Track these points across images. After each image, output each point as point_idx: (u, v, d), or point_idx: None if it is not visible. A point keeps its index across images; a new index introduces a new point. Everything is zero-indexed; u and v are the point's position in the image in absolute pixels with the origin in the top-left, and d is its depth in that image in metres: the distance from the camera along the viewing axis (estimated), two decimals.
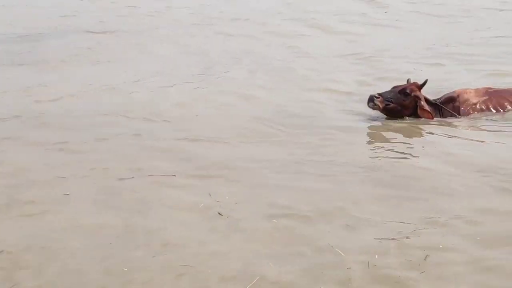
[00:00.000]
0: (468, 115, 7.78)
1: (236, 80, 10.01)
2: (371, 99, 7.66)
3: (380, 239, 4.80)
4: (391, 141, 7.14)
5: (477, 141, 7.00)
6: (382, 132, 7.47)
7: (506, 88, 8.27)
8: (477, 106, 7.87)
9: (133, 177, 6.10)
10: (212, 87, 9.53)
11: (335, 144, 6.88)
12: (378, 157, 6.60)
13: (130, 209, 5.47)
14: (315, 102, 8.56)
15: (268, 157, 6.63)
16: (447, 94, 8.07)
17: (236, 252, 4.71)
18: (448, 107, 7.85)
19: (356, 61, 11.05)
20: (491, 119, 7.65)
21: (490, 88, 8.16)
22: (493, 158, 6.38)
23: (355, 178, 5.98)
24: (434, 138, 7.21)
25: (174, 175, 6.13)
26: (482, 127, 7.42)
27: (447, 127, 7.45)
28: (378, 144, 7.11)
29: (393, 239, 4.80)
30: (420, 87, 7.75)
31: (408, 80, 7.91)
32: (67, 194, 5.73)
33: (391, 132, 7.41)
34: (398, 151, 6.76)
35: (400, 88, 7.78)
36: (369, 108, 7.73)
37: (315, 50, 12.14)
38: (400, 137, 7.25)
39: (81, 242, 4.94)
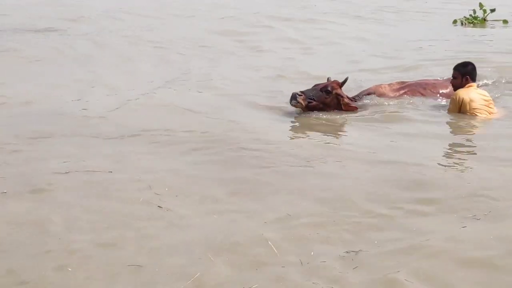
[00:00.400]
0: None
1: (183, 75, 10.17)
2: (293, 97, 7.65)
3: (315, 233, 4.87)
4: (314, 138, 7.27)
5: (397, 136, 7.22)
6: (307, 130, 7.58)
7: (416, 81, 8.62)
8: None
9: (68, 172, 6.04)
10: (158, 83, 9.59)
11: (265, 141, 6.94)
12: (309, 152, 6.69)
13: (68, 205, 5.41)
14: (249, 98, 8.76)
15: (205, 150, 6.71)
16: (363, 91, 8.34)
17: (176, 247, 4.70)
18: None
19: (300, 56, 11.50)
20: (404, 112, 7.91)
21: (403, 83, 8.48)
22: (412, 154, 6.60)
23: (289, 173, 6.05)
24: (354, 134, 7.41)
25: (111, 171, 6.09)
26: (399, 121, 7.66)
27: (368, 122, 7.67)
28: (305, 140, 7.24)
29: (326, 232, 4.88)
30: (341, 85, 7.91)
31: (328, 79, 8.04)
32: (4, 192, 5.63)
33: (315, 129, 7.54)
34: (324, 147, 6.91)
35: (322, 86, 7.88)
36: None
37: (262, 44, 12.51)
38: (323, 135, 7.39)
39: (20, 239, 4.87)
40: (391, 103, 8.11)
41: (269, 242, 4.72)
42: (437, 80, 8.75)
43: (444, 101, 8.18)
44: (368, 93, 8.29)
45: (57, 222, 5.13)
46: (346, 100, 7.95)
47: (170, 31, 13.89)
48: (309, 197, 5.54)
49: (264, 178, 5.97)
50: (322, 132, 7.44)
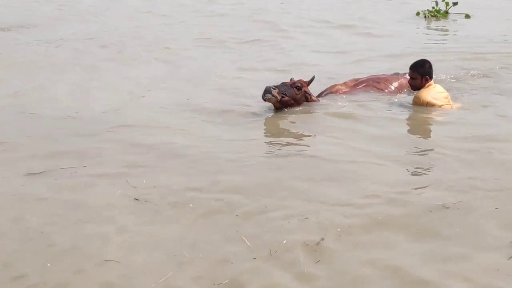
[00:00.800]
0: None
1: (148, 70, 10.31)
2: (268, 91, 7.62)
3: (287, 224, 4.95)
4: (287, 131, 7.32)
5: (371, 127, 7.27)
6: (279, 124, 7.59)
7: (368, 77, 8.75)
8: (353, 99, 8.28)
9: (43, 171, 6.06)
10: (124, 78, 9.72)
11: (240, 137, 7.03)
12: (281, 146, 6.81)
13: (44, 202, 5.45)
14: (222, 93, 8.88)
15: (182, 144, 6.79)
16: (323, 91, 8.40)
17: (153, 242, 4.76)
18: None
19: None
20: (369, 112, 7.92)
21: (356, 80, 8.61)
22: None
23: (263, 167, 6.14)
24: (326, 127, 7.39)
25: (85, 166, 6.15)
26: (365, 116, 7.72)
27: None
28: (277, 134, 7.31)
29: (298, 222, 4.96)
30: (308, 83, 8.02)
31: (291, 79, 8.09)
32: None
33: (287, 124, 7.55)
34: (297, 139, 6.99)
35: (291, 82, 7.94)
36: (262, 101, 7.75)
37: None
38: (294, 128, 7.44)
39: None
40: (353, 100, 8.20)
41: (243, 237, 4.81)
42: (385, 75, 8.88)
43: (402, 95, 8.37)
44: (328, 93, 8.36)
45: (37, 217, 5.20)
46: (314, 98, 8.06)
47: (158, 28, 13.93)
48: (282, 189, 5.62)
49: (240, 171, 6.04)
50: (295, 130, 7.45)
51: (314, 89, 8.27)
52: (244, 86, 9.25)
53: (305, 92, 7.99)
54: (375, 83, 8.48)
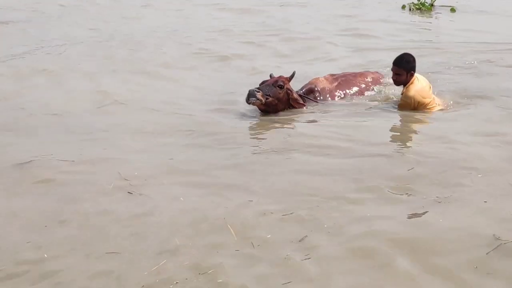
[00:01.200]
0: (327, 101, 8.28)
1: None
2: (252, 95, 7.49)
3: (273, 218, 5.08)
4: (268, 134, 7.27)
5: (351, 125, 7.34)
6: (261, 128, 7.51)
7: (344, 73, 8.96)
8: (334, 92, 8.43)
9: (31, 161, 6.15)
10: (134, 76, 9.77)
11: (226, 138, 7.00)
12: (264, 147, 6.80)
13: (35, 194, 5.55)
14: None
15: (172, 137, 6.92)
16: (306, 85, 8.48)
17: (147, 233, 4.88)
18: (310, 97, 8.25)
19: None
20: (350, 104, 8.14)
21: (333, 75, 8.79)
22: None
23: (255, 165, 6.17)
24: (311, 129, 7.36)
25: (73, 160, 6.23)
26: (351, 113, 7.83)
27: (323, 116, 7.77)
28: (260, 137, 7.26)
29: (280, 217, 5.08)
30: (289, 79, 8.01)
31: (271, 75, 8.07)
32: None
33: (268, 127, 7.46)
34: (280, 142, 6.91)
35: (273, 81, 7.85)
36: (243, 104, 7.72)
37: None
38: (278, 130, 7.39)
39: None
40: (332, 95, 8.31)
41: (229, 227, 4.93)
42: (354, 72, 9.09)
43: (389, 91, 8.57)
44: (310, 87, 8.43)
45: (32, 211, 5.28)
46: (295, 95, 8.03)
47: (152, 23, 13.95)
48: (269, 184, 5.71)
49: (231, 166, 6.15)
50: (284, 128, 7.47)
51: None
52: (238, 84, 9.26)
53: (287, 89, 7.93)
54: (351, 77, 8.73)
